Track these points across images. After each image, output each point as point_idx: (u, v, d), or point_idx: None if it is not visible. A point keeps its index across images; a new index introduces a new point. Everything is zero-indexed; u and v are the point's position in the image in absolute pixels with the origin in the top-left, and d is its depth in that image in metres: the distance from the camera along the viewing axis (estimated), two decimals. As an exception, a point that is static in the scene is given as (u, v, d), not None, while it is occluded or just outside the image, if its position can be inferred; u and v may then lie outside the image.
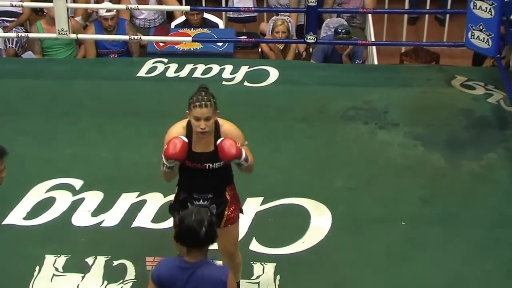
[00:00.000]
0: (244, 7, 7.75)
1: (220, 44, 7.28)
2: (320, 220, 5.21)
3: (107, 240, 5.07)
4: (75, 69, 7.06)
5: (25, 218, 5.25)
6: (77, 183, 5.53)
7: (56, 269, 4.84)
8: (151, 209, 5.30)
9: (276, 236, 5.08)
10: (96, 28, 7.44)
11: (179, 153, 4.06)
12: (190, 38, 7.17)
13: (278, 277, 4.79)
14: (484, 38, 6.34)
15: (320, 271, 4.84)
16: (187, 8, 7.40)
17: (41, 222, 5.23)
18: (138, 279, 4.73)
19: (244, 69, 6.91)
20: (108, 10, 7.29)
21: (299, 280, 4.77)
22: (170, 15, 8.13)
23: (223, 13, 8.28)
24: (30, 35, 7.32)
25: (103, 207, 5.33)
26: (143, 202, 5.36)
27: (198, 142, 4.15)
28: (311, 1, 6.62)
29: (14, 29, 7.77)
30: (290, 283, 4.76)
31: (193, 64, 6.97)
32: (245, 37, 7.75)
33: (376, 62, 7.36)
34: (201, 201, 4.30)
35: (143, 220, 5.23)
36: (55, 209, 5.32)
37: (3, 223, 5.21)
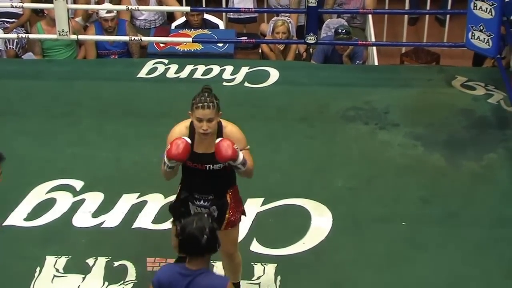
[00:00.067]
0: (245, 8, 7.76)
1: (220, 44, 7.28)
2: (321, 221, 5.22)
3: (107, 241, 5.07)
4: (75, 70, 7.07)
5: (25, 219, 5.25)
6: (78, 184, 5.53)
7: (57, 270, 4.84)
8: (151, 210, 5.30)
9: (277, 236, 5.08)
10: (97, 29, 7.45)
11: (181, 154, 4.05)
12: (190, 39, 7.18)
13: (278, 277, 4.79)
14: (484, 38, 6.34)
15: (321, 272, 4.84)
16: (188, 9, 7.41)
17: (41, 223, 5.23)
18: (138, 280, 4.73)
19: (244, 70, 6.92)
20: (108, 11, 7.29)
21: (299, 280, 4.78)
22: (171, 16, 8.14)
23: (224, 13, 8.28)
24: (31, 36, 7.32)
25: (103, 208, 5.33)
26: (144, 203, 5.37)
27: (200, 143, 4.15)
28: (311, 2, 6.62)
29: (14, 30, 7.77)
30: (290, 283, 4.76)
31: (193, 65, 6.98)
32: (246, 37, 7.75)
33: (376, 63, 7.36)
34: (201, 201, 4.30)
35: (144, 221, 5.23)
36: (56, 210, 5.32)
37: (4, 224, 5.21)
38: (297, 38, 7.65)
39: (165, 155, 4.10)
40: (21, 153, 5.85)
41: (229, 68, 6.93)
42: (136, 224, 5.21)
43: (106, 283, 4.76)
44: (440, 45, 7.86)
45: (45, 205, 5.36)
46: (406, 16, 8.34)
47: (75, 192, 5.46)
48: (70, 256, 4.93)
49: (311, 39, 6.77)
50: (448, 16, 8.27)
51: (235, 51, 7.46)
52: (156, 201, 5.34)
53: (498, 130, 6.14)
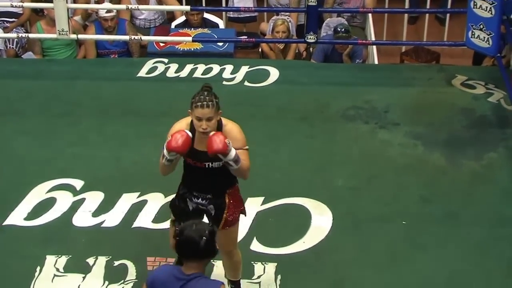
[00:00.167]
0: (244, 7, 7.75)
1: (220, 44, 7.28)
2: (321, 220, 5.22)
3: (108, 240, 5.07)
4: (75, 69, 7.06)
5: (25, 219, 5.25)
6: (78, 183, 5.53)
7: (57, 270, 4.85)
8: (151, 209, 5.30)
9: (277, 236, 5.08)
10: (96, 29, 7.45)
11: (181, 146, 4.04)
12: (190, 38, 7.17)
13: (279, 277, 4.80)
14: (484, 37, 6.34)
15: (321, 271, 4.84)
16: (187, 8, 7.40)
17: (41, 222, 5.23)
18: (139, 279, 4.73)
19: (244, 69, 6.91)
20: (108, 11, 7.29)
21: (300, 279, 4.78)
22: (171, 15, 8.14)
23: (223, 13, 8.28)
24: (31, 35, 7.32)
25: (103, 208, 5.33)
26: (144, 202, 5.37)
27: (200, 141, 4.13)
28: (311, 1, 6.61)
29: (14, 29, 7.77)
30: (291, 282, 4.76)
31: (193, 64, 6.98)
32: (245, 37, 7.76)
33: (376, 62, 7.36)
34: (200, 199, 4.29)
35: (144, 220, 5.23)
36: (56, 210, 5.32)
37: (4, 223, 5.21)
38: (297, 37, 7.65)
39: (164, 147, 4.09)
40: (21, 153, 5.86)
41: (229, 67, 6.93)
42: (136, 224, 5.22)
43: (106, 282, 4.76)
44: (440, 44, 7.86)
45: (45, 205, 5.36)
46: (406, 15, 8.34)
47: (75, 192, 5.47)
48: (70, 256, 4.93)
49: (311, 38, 6.77)
50: (448, 15, 8.27)
51: (235, 50, 7.46)
52: (156, 201, 5.34)
53: (498, 129, 6.14)
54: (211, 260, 4.68)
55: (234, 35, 7.60)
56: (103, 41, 7.47)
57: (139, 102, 6.51)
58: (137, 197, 5.40)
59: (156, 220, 5.21)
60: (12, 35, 7.45)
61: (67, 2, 6.77)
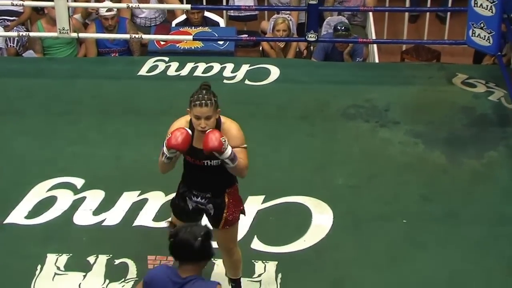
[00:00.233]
0: (245, 6, 7.75)
1: (221, 42, 7.28)
2: (321, 218, 5.22)
3: (108, 239, 5.08)
4: (76, 68, 7.06)
5: (26, 217, 5.26)
6: (78, 182, 5.54)
7: (58, 268, 4.85)
8: (152, 207, 5.30)
9: (278, 234, 5.09)
10: (97, 27, 7.45)
11: (181, 144, 4.04)
12: (191, 37, 7.17)
13: (279, 275, 4.80)
14: (485, 36, 6.33)
15: (321, 269, 4.84)
16: (188, 6, 7.40)
17: (42, 221, 5.23)
18: (139, 278, 4.73)
19: (245, 68, 6.91)
20: (109, 10, 7.29)
21: (300, 278, 4.78)
22: (171, 14, 8.14)
23: (224, 11, 8.28)
24: (31, 34, 7.32)
25: (104, 206, 5.34)
26: (145, 200, 5.37)
27: (199, 139, 4.13)
28: (312, -1, 6.62)
29: (15, 28, 7.77)
30: (291, 281, 4.77)
31: (194, 63, 6.98)
32: (246, 35, 7.75)
33: (377, 60, 7.37)
34: (199, 198, 4.29)
35: (145, 218, 5.24)
36: (57, 208, 5.33)
37: (5, 222, 5.22)
38: (298, 36, 7.65)
39: (164, 145, 4.09)
40: (21, 151, 5.86)
41: (229, 66, 6.93)
42: (137, 222, 5.22)
43: (107, 281, 4.77)
44: (440, 43, 7.87)
45: (46, 203, 5.36)
46: (406, 14, 8.34)
47: (76, 190, 5.47)
48: (71, 254, 4.93)
49: (311, 36, 6.77)
50: (448, 13, 8.27)
51: (235, 49, 7.46)
52: (156, 199, 5.35)
53: (499, 127, 6.14)
54: (212, 259, 4.71)
55: (235, 33, 7.59)
56: (103, 39, 7.47)
57: (139, 100, 6.52)
58: (138, 196, 5.41)
59: (156, 218, 5.21)
60: (13, 33, 7.45)
61: (67, 1, 6.77)
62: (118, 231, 5.15)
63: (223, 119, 4.20)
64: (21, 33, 7.32)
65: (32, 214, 5.28)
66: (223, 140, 4.01)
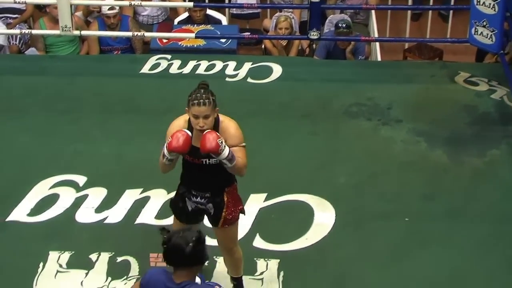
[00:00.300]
0: (247, 4, 7.75)
1: (223, 40, 7.28)
2: (324, 216, 5.22)
3: (110, 236, 5.08)
4: (78, 65, 7.07)
5: (29, 215, 5.26)
6: (81, 179, 5.54)
7: (60, 266, 4.86)
8: (154, 205, 5.31)
9: (280, 232, 5.09)
10: (100, 25, 7.45)
11: (182, 146, 4.04)
12: (193, 35, 7.16)
13: (281, 273, 4.80)
14: (487, 34, 6.33)
15: (323, 267, 4.84)
16: (191, 4, 7.39)
17: (44, 218, 5.24)
18: (141, 276, 4.73)
19: (247, 66, 6.91)
20: (111, 8, 7.29)
21: (302, 276, 4.78)
22: (173, 12, 8.13)
23: (226, 9, 8.27)
24: (34, 31, 7.32)
25: (106, 204, 5.34)
26: (147, 198, 5.37)
27: (198, 138, 4.13)
28: (314, -3, 6.61)
29: (17, 26, 7.78)
30: (293, 279, 4.77)
31: (196, 61, 6.98)
32: (248, 33, 7.75)
33: (379, 58, 7.36)
34: (198, 198, 4.29)
35: (147, 216, 5.24)
36: (59, 206, 5.33)
37: (7, 219, 5.22)
38: (300, 34, 7.65)
39: (165, 148, 4.09)
40: (23, 149, 5.87)
41: (232, 64, 6.93)
42: (139, 220, 5.22)
43: (109, 278, 4.77)
44: (443, 41, 7.86)
45: (48, 201, 5.37)
46: (409, 12, 8.34)
47: (78, 188, 5.47)
48: (73, 252, 4.94)
49: (314, 34, 6.77)
50: (451, 11, 8.26)
51: (238, 46, 7.45)
52: (159, 197, 5.35)
53: (501, 126, 6.14)
54: (214, 257, 4.72)
55: (237, 31, 7.59)
56: (106, 37, 7.47)
57: (142, 98, 6.52)
58: (140, 193, 5.41)
59: (159, 216, 5.22)
60: (15, 31, 7.46)
61: (70, -2, 6.78)
62: (120, 229, 5.15)
63: (221, 117, 4.20)
64: (23, 31, 7.33)
65: (34, 211, 5.29)
66: (220, 141, 4.01)
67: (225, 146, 4.03)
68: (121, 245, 4.98)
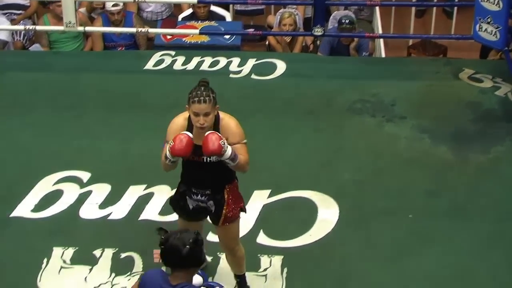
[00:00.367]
0: (251, 0, 7.74)
1: (227, 36, 7.28)
2: (327, 213, 5.22)
3: (114, 232, 5.08)
4: (82, 62, 7.07)
5: (33, 211, 5.27)
6: (85, 175, 5.54)
7: (64, 262, 4.86)
8: (158, 201, 5.31)
9: (283, 228, 5.09)
10: (104, 21, 7.45)
11: (184, 149, 4.03)
12: (197, 31, 7.17)
13: (285, 269, 4.80)
14: (492, 30, 6.32)
15: (327, 264, 4.85)
16: (195, 0, 7.38)
17: (48, 214, 5.24)
18: (145, 272, 4.74)
19: (251, 62, 6.91)
20: (115, 5, 7.29)
21: (306, 272, 4.78)
22: (177, 8, 8.13)
23: (230, 5, 8.26)
24: (38, 28, 7.32)
25: (110, 200, 5.34)
26: (151, 194, 5.38)
27: (198, 135, 4.12)
28: (318, -6, 6.61)
29: (21, 22, 7.78)
30: (297, 275, 4.77)
31: (200, 57, 6.97)
32: (252, 29, 7.75)
33: (383, 55, 7.36)
34: (199, 195, 4.28)
35: (151, 212, 5.24)
36: (63, 202, 5.34)
37: (11, 215, 5.23)
38: (304, 30, 7.64)
39: (168, 150, 4.09)
40: (28, 145, 5.87)
41: (236, 60, 6.93)
42: (142, 216, 5.23)
43: (113, 274, 4.77)
44: (447, 38, 7.85)
45: (52, 197, 5.37)
46: (413, 8, 8.33)
47: (82, 184, 5.48)
48: (77, 248, 4.95)
49: (318, 31, 6.76)
50: (455, 8, 8.25)
51: (242, 43, 7.46)
52: (162, 193, 5.35)
53: (505, 122, 6.13)
54: (217, 253, 4.72)
55: (241, 28, 7.59)
56: (110, 33, 7.47)
57: (145, 94, 6.52)
58: (144, 190, 5.41)
59: (162, 212, 5.22)
60: (19, 27, 7.46)
61: (74, -6, 6.78)
62: (124, 225, 5.15)
63: (222, 114, 4.19)
64: (27, 27, 7.33)
65: (39, 207, 5.29)
66: (222, 142, 4.01)
67: (227, 146, 4.03)
68: (125, 241, 4.99)
